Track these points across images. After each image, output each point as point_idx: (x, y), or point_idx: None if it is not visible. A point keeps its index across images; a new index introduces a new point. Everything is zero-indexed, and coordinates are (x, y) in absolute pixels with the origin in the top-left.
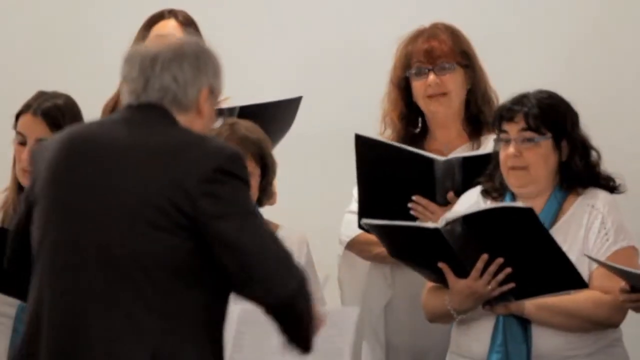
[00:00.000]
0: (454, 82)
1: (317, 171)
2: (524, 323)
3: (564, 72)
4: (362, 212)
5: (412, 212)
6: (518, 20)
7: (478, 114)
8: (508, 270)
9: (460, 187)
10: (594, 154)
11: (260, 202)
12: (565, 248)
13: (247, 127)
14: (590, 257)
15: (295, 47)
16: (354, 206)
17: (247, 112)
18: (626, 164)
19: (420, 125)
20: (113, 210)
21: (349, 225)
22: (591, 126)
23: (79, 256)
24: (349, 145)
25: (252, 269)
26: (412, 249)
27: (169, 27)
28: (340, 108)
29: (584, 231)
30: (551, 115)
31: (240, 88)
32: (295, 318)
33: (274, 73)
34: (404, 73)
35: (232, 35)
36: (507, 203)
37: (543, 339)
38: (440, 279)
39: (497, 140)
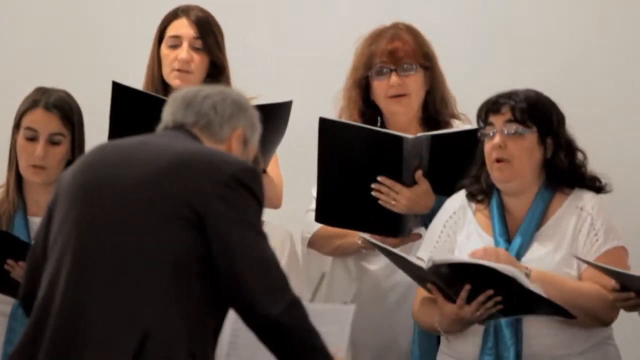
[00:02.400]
0: (415, 84)
1: (301, 168)
2: (515, 324)
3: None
4: (322, 199)
5: (373, 194)
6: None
7: (436, 115)
8: (497, 298)
9: (427, 166)
10: (579, 154)
11: None
12: (552, 250)
13: None
14: (579, 258)
15: (298, 48)
16: (314, 205)
17: None
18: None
19: (379, 124)
20: (126, 207)
21: (311, 223)
22: (586, 127)
23: (92, 251)
24: None
25: (243, 280)
26: (406, 269)
27: (181, 26)
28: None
29: (573, 233)
30: (538, 110)
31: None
32: (285, 344)
33: (276, 74)
34: (366, 72)
35: (235, 36)
36: (493, 264)
37: (534, 339)
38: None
39: (481, 135)
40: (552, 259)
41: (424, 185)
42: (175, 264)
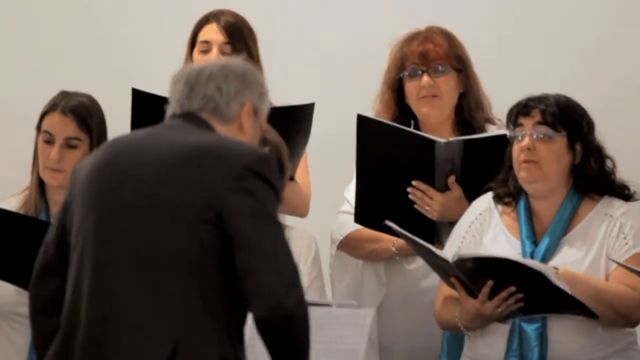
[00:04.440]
0: (447, 85)
1: (334, 173)
2: (540, 328)
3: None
4: (360, 201)
5: (410, 197)
6: (525, 29)
7: (470, 119)
8: (519, 295)
9: (459, 171)
10: (608, 162)
11: None
12: (581, 256)
13: (266, 129)
14: (611, 259)
15: (312, 49)
16: (347, 207)
17: None
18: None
19: (412, 127)
20: (145, 206)
21: (342, 225)
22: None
23: (114, 252)
24: None
25: (259, 274)
26: (430, 262)
27: (211, 32)
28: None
29: (602, 239)
30: (568, 115)
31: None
32: (291, 337)
33: (290, 76)
34: (398, 75)
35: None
36: (522, 259)
37: (559, 343)
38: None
39: (511, 137)
40: (580, 265)
41: (456, 192)
42: (197, 265)
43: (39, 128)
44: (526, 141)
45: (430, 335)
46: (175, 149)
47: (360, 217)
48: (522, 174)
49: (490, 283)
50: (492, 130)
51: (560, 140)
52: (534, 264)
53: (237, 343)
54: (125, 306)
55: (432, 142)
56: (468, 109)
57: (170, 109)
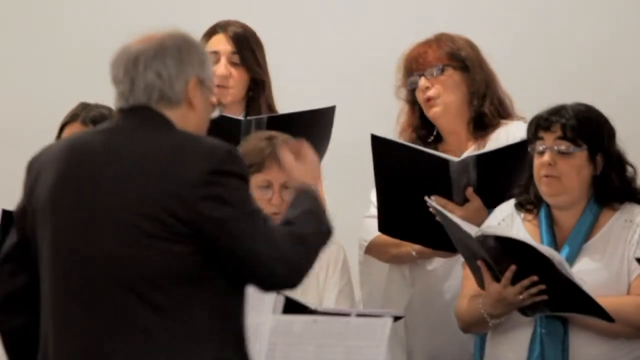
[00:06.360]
0: (444, 84)
1: (353, 178)
2: (562, 334)
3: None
4: (382, 213)
5: (431, 210)
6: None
7: (481, 116)
8: (541, 286)
9: (476, 183)
10: (629, 169)
11: None
12: (602, 263)
13: (284, 140)
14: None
15: (330, 54)
16: (372, 211)
17: (276, 122)
18: None
19: (434, 135)
20: (111, 226)
21: (368, 230)
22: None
23: (82, 279)
24: None
25: (255, 269)
26: (460, 243)
27: (219, 42)
28: (376, 115)
29: (623, 246)
30: (588, 128)
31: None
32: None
33: (309, 80)
34: (407, 87)
35: (266, 41)
36: (535, 244)
37: (580, 349)
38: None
39: (532, 150)
40: (601, 274)
41: (475, 203)
42: (182, 280)
43: (58, 137)
44: (547, 156)
45: (454, 334)
46: (136, 161)
47: (384, 227)
48: (543, 188)
49: (513, 267)
50: (510, 126)
51: (580, 155)
52: (547, 250)
53: (234, 343)
54: (112, 340)
55: (445, 162)
56: (478, 106)
57: (116, 101)
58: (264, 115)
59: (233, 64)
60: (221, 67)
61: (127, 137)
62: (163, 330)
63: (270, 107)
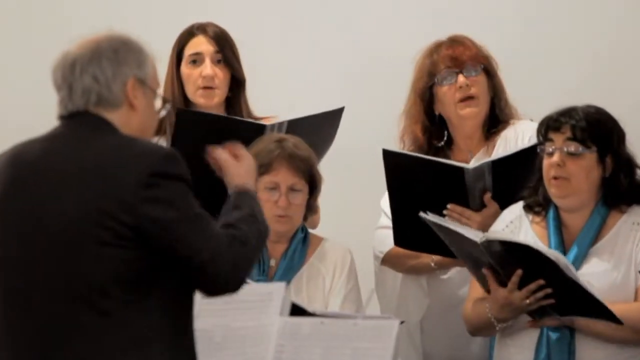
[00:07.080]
0: (481, 86)
1: (358, 184)
2: (569, 338)
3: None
4: (398, 226)
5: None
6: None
7: (496, 119)
8: (548, 290)
9: (491, 188)
10: (639, 172)
11: (305, 218)
12: (610, 266)
13: (295, 143)
14: None
15: (336, 57)
16: (384, 221)
17: (295, 126)
18: None
19: (446, 137)
20: (57, 235)
21: (382, 241)
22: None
23: (29, 290)
24: None
25: (198, 272)
26: (462, 252)
27: (200, 44)
28: (383, 119)
29: (631, 248)
30: (598, 130)
31: (279, 99)
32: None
33: (313, 83)
34: (428, 83)
35: (270, 45)
36: (541, 248)
37: (587, 352)
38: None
39: (541, 151)
40: (609, 277)
41: (492, 208)
42: (130, 284)
43: None
44: (556, 157)
45: (472, 344)
46: (76, 167)
47: (400, 240)
48: (552, 190)
49: (519, 272)
50: (518, 125)
51: (590, 156)
52: (553, 253)
53: (184, 346)
54: (63, 349)
55: (460, 170)
56: (500, 112)
57: (57, 108)
58: (285, 120)
59: (217, 62)
60: (207, 68)
61: (66, 143)
62: (112, 336)
63: (247, 107)
